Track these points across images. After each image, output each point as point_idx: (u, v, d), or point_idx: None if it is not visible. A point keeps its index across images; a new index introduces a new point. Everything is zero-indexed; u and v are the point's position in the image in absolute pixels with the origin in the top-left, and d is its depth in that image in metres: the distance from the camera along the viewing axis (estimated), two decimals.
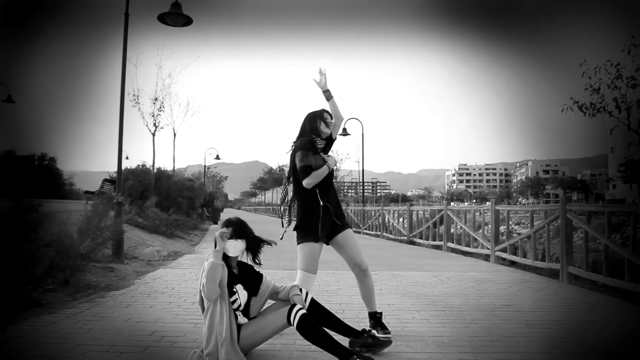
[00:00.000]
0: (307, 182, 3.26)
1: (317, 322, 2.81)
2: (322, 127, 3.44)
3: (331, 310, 3.08)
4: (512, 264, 7.94)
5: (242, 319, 2.86)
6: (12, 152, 15.05)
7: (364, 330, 3.06)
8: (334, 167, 3.43)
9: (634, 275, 5.13)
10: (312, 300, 2.98)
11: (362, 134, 23.00)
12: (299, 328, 2.75)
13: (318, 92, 3.53)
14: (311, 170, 3.28)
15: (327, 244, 3.47)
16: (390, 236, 14.85)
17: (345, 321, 3.77)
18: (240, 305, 2.88)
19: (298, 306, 2.82)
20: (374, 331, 3.18)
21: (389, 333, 3.38)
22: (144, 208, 13.22)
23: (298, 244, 3.31)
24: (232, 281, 2.87)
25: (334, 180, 3.51)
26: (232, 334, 2.72)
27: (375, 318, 3.47)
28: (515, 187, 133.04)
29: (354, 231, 3.51)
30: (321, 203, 3.31)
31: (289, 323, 2.78)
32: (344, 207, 3.50)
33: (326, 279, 5.84)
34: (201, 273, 2.81)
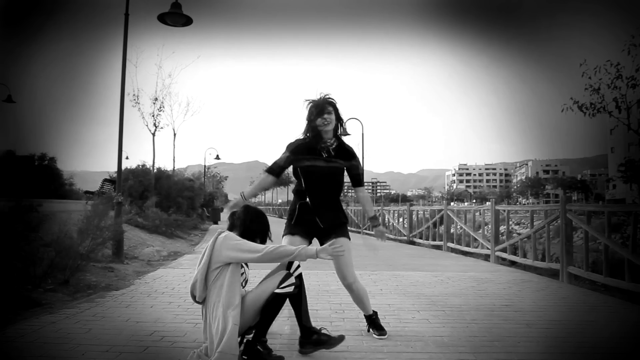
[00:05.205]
0: (262, 176, 3.41)
1: (272, 307, 2.85)
2: (319, 121, 3.26)
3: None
4: (512, 264, 7.94)
5: (242, 291, 2.90)
6: (12, 152, 15.02)
7: (314, 330, 2.98)
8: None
9: (634, 275, 5.12)
10: (300, 275, 2.95)
11: (362, 134, 23.04)
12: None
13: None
14: (277, 170, 3.31)
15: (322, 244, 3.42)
16: (390, 236, 14.85)
17: (345, 321, 3.78)
18: (246, 279, 2.95)
19: (296, 263, 2.91)
20: (325, 330, 3.05)
21: (384, 334, 3.38)
22: (144, 208, 13.22)
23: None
24: None
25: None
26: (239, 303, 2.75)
27: (370, 320, 3.48)
28: (515, 187, 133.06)
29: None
30: (304, 200, 3.30)
31: (289, 271, 2.86)
32: (344, 207, 3.45)
33: (326, 279, 5.84)
34: (243, 252, 2.74)
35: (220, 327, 2.62)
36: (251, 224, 2.92)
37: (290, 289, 2.83)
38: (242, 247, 2.75)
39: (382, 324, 3.46)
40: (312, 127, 3.26)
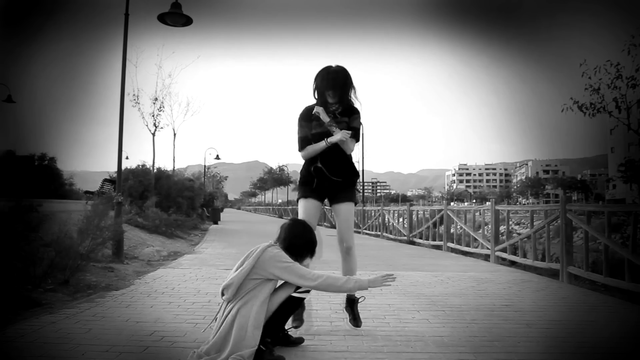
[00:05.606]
0: (302, 155, 3.50)
1: (286, 308, 2.89)
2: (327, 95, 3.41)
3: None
4: (512, 264, 7.94)
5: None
6: (12, 152, 15.02)
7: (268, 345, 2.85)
8: (338, 140, 3.34)
9: (634, 275, 5.12)
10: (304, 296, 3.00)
11: (362, 134, 23.03)
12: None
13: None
14: (305, 143, 3.44)
15: (330, 206, 3.58)
16: (390, 236, 14.85)
17: (345, 321, 3.77)
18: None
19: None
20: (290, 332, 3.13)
21: (358, 326, 3.41)
22: (144, 208, 13.21)
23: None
24: None
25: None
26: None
27: (350, 301, 3.50)
28: (515, 187, 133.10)
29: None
30: (316, 165, 3.42)
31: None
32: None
33: None
34: (304, 276, 2.78)
35: (237, 337, 2.62)
36: (298, 240, 2.96)
37: (306, 295, 2.91)
38: (292, 270, 2.78)
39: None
40: (321, 99, 3.43)
